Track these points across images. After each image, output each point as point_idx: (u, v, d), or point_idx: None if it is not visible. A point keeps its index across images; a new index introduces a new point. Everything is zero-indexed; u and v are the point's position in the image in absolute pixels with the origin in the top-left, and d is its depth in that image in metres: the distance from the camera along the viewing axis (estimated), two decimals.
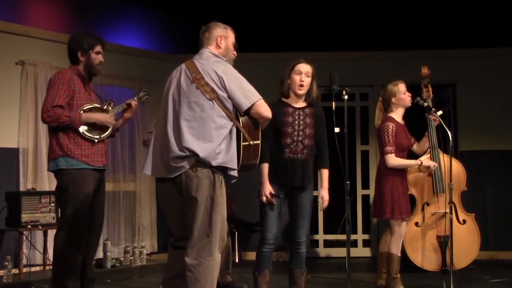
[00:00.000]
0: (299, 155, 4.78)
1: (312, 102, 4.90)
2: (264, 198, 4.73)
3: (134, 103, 5.09)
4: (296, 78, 4.81)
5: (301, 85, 4.80)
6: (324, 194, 4.87)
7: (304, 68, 4.82)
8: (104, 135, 4.86)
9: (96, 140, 4.79)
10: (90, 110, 4.78)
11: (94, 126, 4.78)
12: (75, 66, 4.87)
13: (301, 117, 4.83)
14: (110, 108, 4.95)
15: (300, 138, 4.79)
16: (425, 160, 5.85)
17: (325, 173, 4.92)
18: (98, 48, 4.89)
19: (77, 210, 4.63)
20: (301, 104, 4.88)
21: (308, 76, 4.82)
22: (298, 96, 4.85)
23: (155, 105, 7.65)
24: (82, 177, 4.69)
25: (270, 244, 4.80)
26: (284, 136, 4.76)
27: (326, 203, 4.90)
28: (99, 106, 4.87)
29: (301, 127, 4.81)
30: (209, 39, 4.07)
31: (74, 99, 4.73)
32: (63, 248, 4.62)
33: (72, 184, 4.66)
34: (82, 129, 4.73)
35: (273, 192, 4.73)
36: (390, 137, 5.46)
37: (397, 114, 5.62)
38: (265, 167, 4.75)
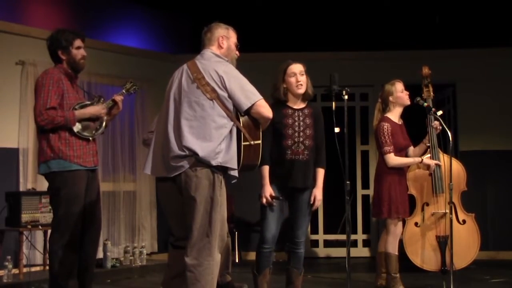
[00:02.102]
0: (301, 156, 4.77)
1: (309, 99, 4.89)
2: (264, 200, 4.72)
3: (118, 98, 5.02)
4: (292, 80, 4.78)
5: (299, 84, 4.78)
6: (317, 193, 4.85)
7: (297, 68, 4.79)
8: (98, 132, 4.83)
9: (90, 139, 4.74)
10: (81, 107, 4.74)
11: (87, 125, 4.74)
12: (59, 65, 4.78)
13: (301, 118, 4.82)
14: (101, 104, 4.90)
15: (301, 139, 4.78)
16: (426, 159, 5.84)
17: (320, 173, 4.89)
18: (78, 42, 4.76)
19: (70, 211, 4.59)
20: (300, 105, 4.86)
21: (302, 74, 4.79)
22: (297, 96, 4.83)
23: (155, 105, 7.71)
24: (73, 178, 4.62)
25: (269, 244, 4.79)
26: (285, 138, 4.75)
27: (318, 203, 4.87)
28: (89, 103, 4.82)
29: (301, 128, 4.80)
30: (210, 40, 4.08)
31: (64, 98, 4.65)
32: (59, 249, 4.59)
33: (64, 185, 4.60)
34: (77, 128, 4.66)
35: (273, 194, 4.73)
36: (387, 137, 5.46)
37: (394, 114, 5.61)
38: (266, 169, 4.74)
